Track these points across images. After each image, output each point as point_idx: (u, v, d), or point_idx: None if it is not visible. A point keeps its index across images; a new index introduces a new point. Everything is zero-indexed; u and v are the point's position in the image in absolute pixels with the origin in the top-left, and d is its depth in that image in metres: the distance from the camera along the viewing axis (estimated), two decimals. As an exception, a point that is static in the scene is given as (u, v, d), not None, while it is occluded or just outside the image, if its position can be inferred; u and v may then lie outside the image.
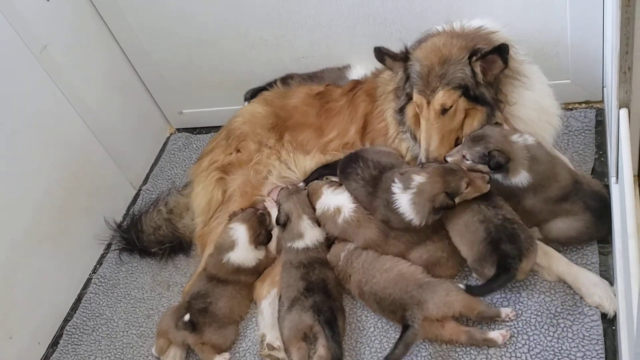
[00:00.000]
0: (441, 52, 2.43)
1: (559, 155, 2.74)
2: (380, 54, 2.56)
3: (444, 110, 2.44)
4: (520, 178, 2.41)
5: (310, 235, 2.72)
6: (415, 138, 2.66)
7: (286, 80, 3.41)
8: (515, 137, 2.42)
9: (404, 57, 2.54)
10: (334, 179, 2.89)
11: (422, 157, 2.52)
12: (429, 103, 2.45)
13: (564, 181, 2.45)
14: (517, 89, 2.51)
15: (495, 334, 2.32)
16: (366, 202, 2.66)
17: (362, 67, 3.26)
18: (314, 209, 2.77)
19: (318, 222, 2.76)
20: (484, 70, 2.39)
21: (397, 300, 2.40)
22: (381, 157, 2.70)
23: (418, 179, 2.43)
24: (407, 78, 2.55)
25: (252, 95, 3.50)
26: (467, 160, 2.43)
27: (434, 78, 2.42)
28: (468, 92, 2.42)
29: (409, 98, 2.57)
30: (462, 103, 2.44)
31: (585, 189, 2.46)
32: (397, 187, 2.48)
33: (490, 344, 2.33)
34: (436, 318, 2.32)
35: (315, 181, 2.88)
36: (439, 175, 2.40)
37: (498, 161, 2.36)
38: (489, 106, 2.46)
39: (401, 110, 2.67)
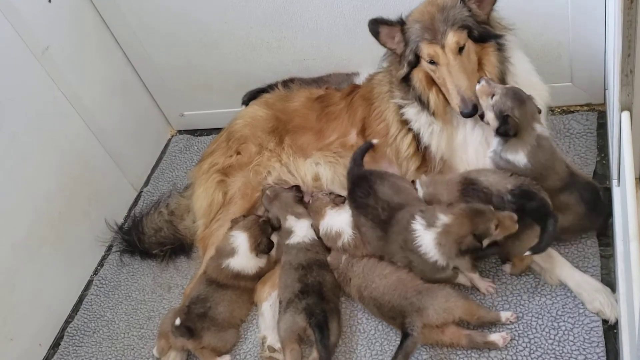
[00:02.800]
0: (436, 2, 2.52)
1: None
2: (376, 23, 2.59)
3: (460, 50, 2.47)
4: (517, 157, 2.42)
5: (299, 229, 2.75)
6: (425, 103, 2.63)
7: (287, 83, 3.40)
8: (538, 125, 2.43)
9: (401, 22, 2.59)
10: (340, 194, 2.87)
11: (457, 102, 2.47)
12: (443, 48, 2.47)
13: (562, 173, 2.46)
14: (510, 50, 2.59)
15: (496, 337, 2.32)
16: (378, 247, 2.56)
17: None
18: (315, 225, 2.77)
19: (301, 215, 2.79)
20: (478, 7, 2.49)
21: (396, 306, 2.39)
22: (393, 196, 2.57)
23: (444, 218, 2.32)
24: (406, 44, 2.58)
25: (250, 98, 3.49)
26: (491, 100, 2.41)
27: (439, 24, 2.46)
28: (472, 33, 2.48)
29: (413, 64, 2.58)
30: (471, 45, 2.49)
31: (580, 181, 2.48)
32: (418, 225, 2.37)
33: (491, 346, 2.33)
34: (436, 325, 2.31)
35: (320, 197, 2.82)
36: (467, 217, 2.30)
37: (507, 129, 2.38)
38: (495, 40, 2.52)
39: (405, 79, 2.65)
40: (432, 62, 2.51)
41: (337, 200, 2.78)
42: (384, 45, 2.66)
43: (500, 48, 2.55)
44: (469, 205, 2.37)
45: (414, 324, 2.30)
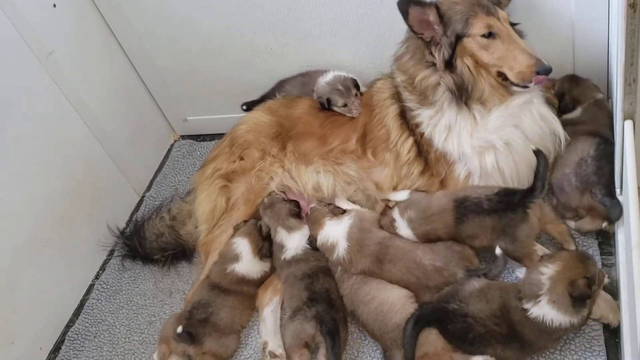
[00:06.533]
0: None
1: None
2: (407, 2, 2.49)
3: None
4: (575, 113, 2.79)
5: (290, 244, 2.74)
6: (470, 90, 2.57)
7: (281, 86, 3.43)
8: (600, 95, 2.79)
9: (435, 3, 2.54)
10: (340, 205, 2.85)
11: (530, 63, 2.44)
12: (499, 20, 2.51)
13: (601, 126, 2.68)
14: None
15: (479, 359, 2.24)
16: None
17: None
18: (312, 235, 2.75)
19: (292, 228, 2.77)
20: None
21: (379, 338, 2.42)
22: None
23: (547, 270, 2.11)
24: (445, 24, 2.53)
25: (250, 106, 3.49)
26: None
27: (485, 1, 2.52)
28: None
29: (454, 46, 2.54)
30: None
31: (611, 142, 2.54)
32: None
33: None
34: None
35: (318, 208, 2.78)
36: (577, 260, 2.12)
37: (566, 104, 2.80)
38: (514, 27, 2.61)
39: (449, 64, 2.57)
40: (487, 36, 2.49)
41: (335, 211, 2.75)
42: (410, 27, 2.58)
43: (521, 35, 2.62)
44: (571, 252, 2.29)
45: (395, 358, 2.31)
